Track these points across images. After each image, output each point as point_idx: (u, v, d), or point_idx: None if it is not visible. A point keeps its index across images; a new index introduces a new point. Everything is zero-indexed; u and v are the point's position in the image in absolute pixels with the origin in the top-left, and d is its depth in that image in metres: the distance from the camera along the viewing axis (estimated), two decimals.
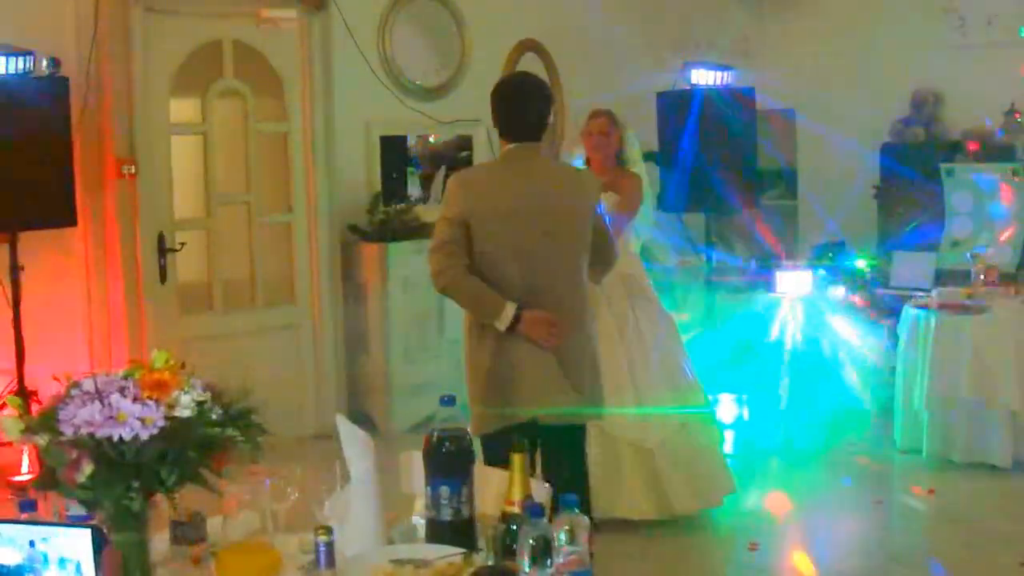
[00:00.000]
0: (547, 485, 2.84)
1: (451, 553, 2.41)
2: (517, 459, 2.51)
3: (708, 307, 7.08)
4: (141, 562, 2.21)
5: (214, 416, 2.13)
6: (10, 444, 2.20)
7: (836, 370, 6.61)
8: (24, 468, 5.44)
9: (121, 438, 2.02)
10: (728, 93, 7.26)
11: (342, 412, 2.82)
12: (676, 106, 7.22)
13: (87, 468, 2.04)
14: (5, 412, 2.21)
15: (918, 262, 6.67)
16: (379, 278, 6.90)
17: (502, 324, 3.73)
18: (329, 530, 2.26)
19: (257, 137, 6.75)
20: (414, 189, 7.56)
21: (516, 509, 2.44)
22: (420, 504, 2.68)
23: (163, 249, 6.29)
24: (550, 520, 2.31)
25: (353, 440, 2.62)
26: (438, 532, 2.52)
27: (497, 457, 3.28)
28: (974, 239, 6.66)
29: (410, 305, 6.87)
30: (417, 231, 6.83)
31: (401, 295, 6.86)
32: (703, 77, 7.29)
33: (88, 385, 2.08)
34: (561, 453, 3.83)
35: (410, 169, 7.60)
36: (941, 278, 6.48)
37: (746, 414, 6.80)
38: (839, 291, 6.78)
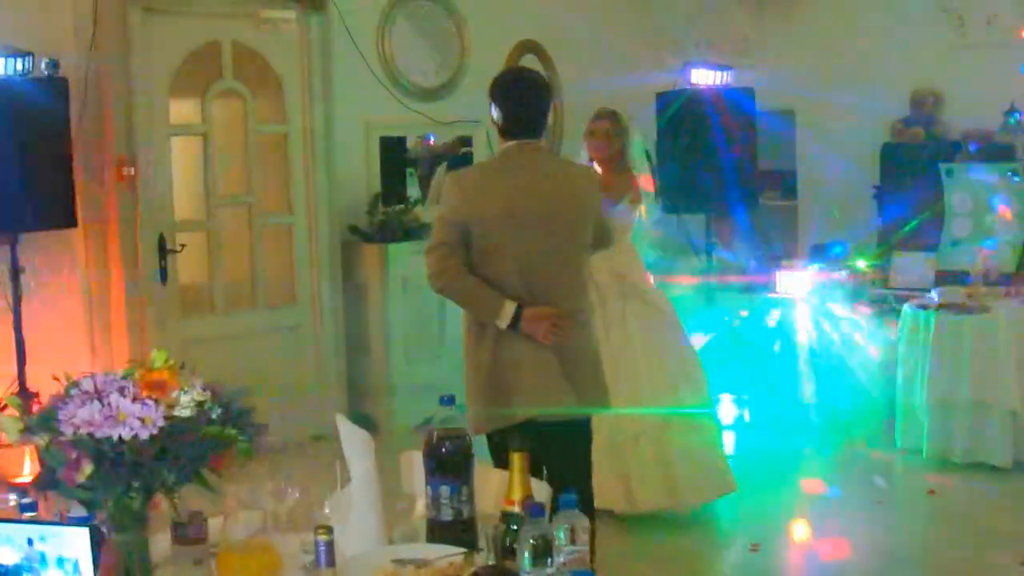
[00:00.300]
0: (547, 484, 2.84)
1: (452, 553, 2.41)
2: (517, 459, 2.51)
3: (708, 307, 7.08)
4: (142, 562, 2.21)
5: (214, 416, 2.13)
6: (10, 445, 2.20)
7: (836, 370, 6.61)
8: (25, 469, 5.44)
9: (121, 438, 2.02)
10: (728, 93, 7.26)
11: (342, 412, 2.81)
12: (676, 106, 7.22)
13: (87, 468, 2.04)
14: (5, 413, 2.21)
15: (918, 262, 6.67)
16: (379, 279, 6.90)
17: (502, 322, 3.70)
18: (329, 529, 2.26)
19: (257, 138, 6.75)
20: (413, 190, 7.56)
21: (516, 509, 2.44)
22: (420, 504, 2.68)
23: (163, 250, 6.29)
24: (550, 519, 2.31)
25: (353, 440, 2.62)
26: (438, 532, 2.52)
27: (497, 457, 3.27)
28: (974, 239, 6.65)
29: (410, 305, 6.88)
30: (417, 232, 6.84)
31: (401, 295, 6.86)
32: (703, 77, 7.28)
33: (87, 385, 2.08)
34: (565, 452, 3.81)
35: (410, 170, 7.60)
36: (941, 278, 6.47)
37: (747, 415, 6.81)
38: (839, 291, 6.77)
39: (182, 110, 6.60)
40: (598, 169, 5.27)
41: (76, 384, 2.10)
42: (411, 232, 6.88)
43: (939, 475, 5.93)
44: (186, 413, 2.10)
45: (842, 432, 6.51)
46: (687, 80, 7.34)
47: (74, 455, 2.04)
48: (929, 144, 7.56)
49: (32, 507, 2.26)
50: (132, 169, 6.11)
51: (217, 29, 6.53)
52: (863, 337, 6.52)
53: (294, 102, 6.86)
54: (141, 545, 2.19)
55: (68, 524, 2.22)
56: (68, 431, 2.03)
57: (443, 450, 2.52)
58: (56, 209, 5.57)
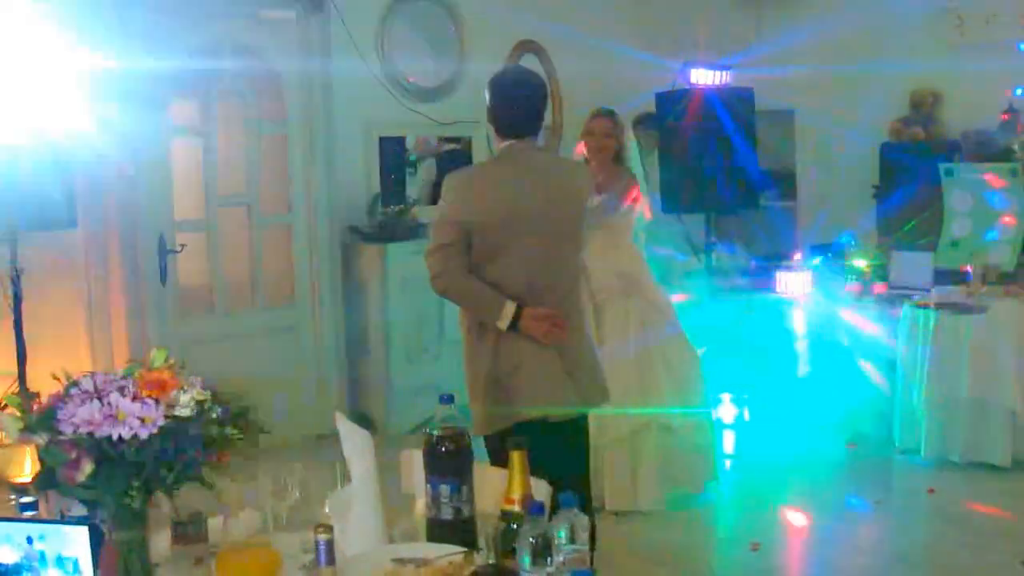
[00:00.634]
0: (547, 483, 2.84)
1: (452, 552, 2.41)
2: (517, 457, 2.51)
3: (708, 307, 7.08)
4: (141, 562, 2.21)
5: (214, 415, 2.13)
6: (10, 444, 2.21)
7: (835, 370, 6.61)
8: (25, 468, 5.44)
9: (120, 437, 2.02)
10: (727, 93, 7.26)
11: (342, 412, 2.82)
12: (675, 106, 7.22)
13: (87, 467, 2.04)
14: (5, 412, 2.21)
15: (917, 261, 6.67)
16: (379, 279, 6.90)
17: (503, 323, 3.71)
18: (329, 528, 2.26)
19: (257, 138, 6.75)
20: (413, 190, 7.57)
21: (516, 508, 2.44)
22: (420, 504, 2.68)
23: (163, 250, 6.29)
24: (550, 518, 2.31)
25: (353, 439, 2.62)
26: (438, 531, 2.52)
27: (499, 458, 3.27)
28: (973, 238, 6.65)
29: (410, 305, 6.88)
30: (416, 232, 6.84)
31: (401, 295, 6.86)
32: (702, 77, 7.28)
33: (87, 384, 2.08)
34: (565, 451, 3.81)
35: (409, 170, 7.60)
36: (940, 277, 6.48)
37: (746, 414, 6.81)
38: (838, 291, 6.77)
39: (182, 110, 6.60)
40: (595, 169, 5.27)
41: (76, 383, 2.10)
42: (411, 232, 6.89)
43: (938, 474, 5.94)
44: (186, 412, 2.10)
45: (841, 431, 6.51)
46: (687, 80, 7.34)
47: (74, 454, 2.04)
48: (928, 143, 7.56)
49: (32, 506, 2.26)
50: (132, 169, 6.11)
51: (217, 29, 6.53)
52: (862, 336, 6.52)
53: (294, 102, 6.86)
54: (141, 544, 2.19)
55: (66, 522, 2.23)
56: (68, 430, 2.03)
57: (443, 449, 2.52)
58: (56, 208, 5.57)
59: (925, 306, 6.15)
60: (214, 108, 6.60)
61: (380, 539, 2.56)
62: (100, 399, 2.04)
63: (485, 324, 3.79)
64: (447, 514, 2.51)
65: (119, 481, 2.07)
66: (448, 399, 2.60)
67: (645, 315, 5.37)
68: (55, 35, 5.35)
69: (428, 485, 2.54)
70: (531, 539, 2.19)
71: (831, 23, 8.23)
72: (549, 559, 2.19)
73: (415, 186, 7.43)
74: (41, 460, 2.12)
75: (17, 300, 5.64)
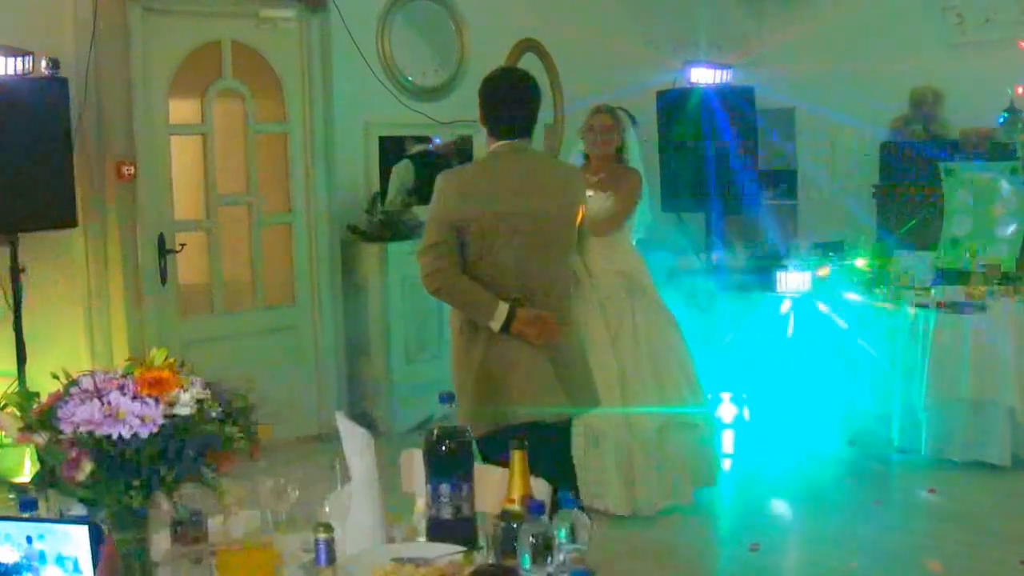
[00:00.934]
0: (547, 483, 2.84)
1: (452, 551, 2.41)
2: (518, 456, 2.51)
3: (708, 306, 7.08)
4: (142, 561, 2.20)
5: (214, 414, 2.12)
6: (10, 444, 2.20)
7: (836, 369, 6.60)
8: (25, 468, 5.44)
9: (120, 436, 2.02)
10: (728, 92, 7.27)
11: (342, 411, 2.81)
12: (676, 105, 7.23)
13: (87, 466, 2.04)
14: (5, 412, 2.21)
15: (917, 260, 6.67)
16: (379, 278, 6.90)
17: (496, 324, 3.71)
18: (329, 527, 2.26)
19: (256, 137, 6.75)
20: (391, 191, 7.52)
21: (517, 507, 2.44)
22: (421, 503, 2.68)
23: (163, 250, 6.29)
24: (550, 518, 2.31)
25: (353, 438, 2.62)
26: (439, 530, 2.52)
27: (489, 459, 3.26)
28: (973, 238, 6.65)
29: (410, 305, 6.87)
30: (416, 231, 6.84)
31: (401, 295, 6.86)
32: (703, 76, 7.29)
33: (87, 383, 2.08)
34: (549, 451, 3.81)
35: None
36: (940, 277, 6.48)
37: (747, 413, 6.80)
38: (838, 290, 6.77)
39: (182, 109, 6.60)
40: (596, 167, 5.25)
41: (75, 382, 2.10)
42: (411, 231, 6.88)
43: (938, 473, 5.93)
44: (186, 411, 2.09)
45: (841, 431, 6.50)
46: (687, 79, 7.34)
47: (74, 453, 2.04)
48: (928, 142, 7.56)
49: (32, 505, 2.26)
50: (132, 168, 6.11)
51: (217, 28, 6.53)
52: (862, 336, 6.52)
53: (294, 101, 6.86)
54: (141, 544, 2.19)
55: (66, 521, 2.22)
56: (68, 429, 2.03)
57: (443, 448, 2.52)
58: (56, 209, 5.57)
59: (925, 305, 6.15)
60: (214, 107, 6.60)
61: (380, 538, 2.56)
62: (100, 398, 2.04)
63: (477, 324, 3.78)
64: (447, 513, 2.51)
65: (119, 480, 2.07)
66: (448, 398, 2.60)
67: (649, 314, 5.36)
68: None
69: (428, 484, 2.54)
70: (531, 538, 2.19)
71: (832, 22, 8.24)
72: (549, 558, 2.19)
73: (393, 188, 7.39)
74: (41, 459, 2.12)
75: (17, 299, 5.64)
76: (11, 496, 2.34)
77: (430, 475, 2.54)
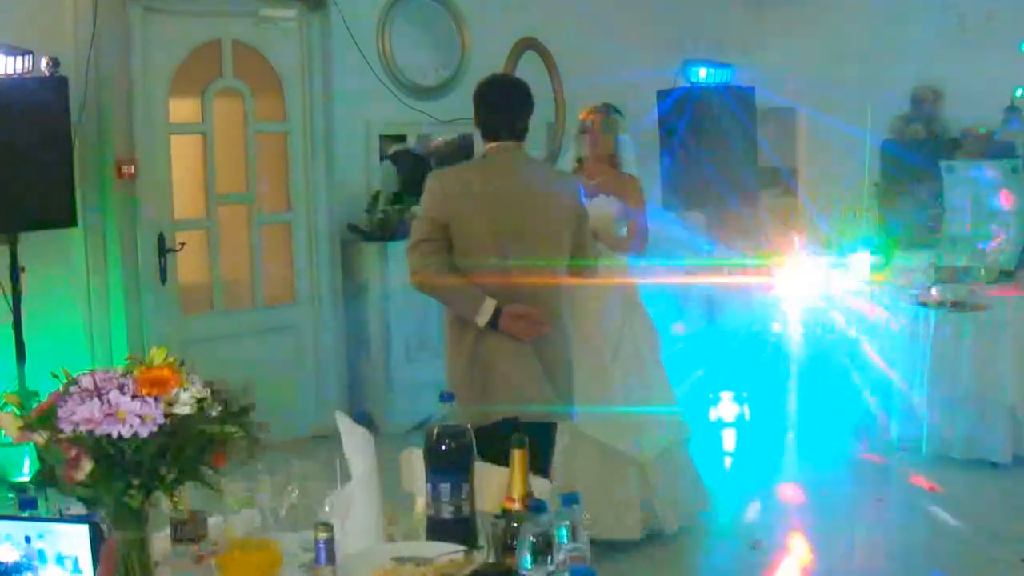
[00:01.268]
0: (548, 482, 2.84)
1: (452, 550, 2.40)
2: (518, 455, 2.50)
3: (708, 306, 7.08)
4: (142, 560, 2.20)
5: (214, 413, 2.12)
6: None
7: (836, 367, 6.60)
8: (25, 467, 5.45)
9: (120, 435, 2.02)
10: (728, 91, 7.27)
11: (342, 411, 2.82)
12: (676, 104, 7.23)
13: (86, 466, 2.03)
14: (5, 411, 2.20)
15: (918, 259, 6.66)
16: (379, 277, 6.90)
17: (482, 319, 3.77)
18: (329, 527, 2.25)
19: (257, 137, 6.75)
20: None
21: (517, 506, 2.44)
22: (421, 502, 2.68)
23: (163, 249, 6.29)
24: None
25: (353, 438, 2.62)
26: (439, 529, 2.52)
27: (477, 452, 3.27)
28: (974, 236, 6.64)
29: (410, 304, 6.86)
30: None
31: (401, 294, 6.84)
32: (703, 75, 7.28)
33: (87, 382, 2.07)
34: (536, 451, 3.80)
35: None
36: (941, 275, 6.47)
37: (747, 412, 6.81)
38: (839, 288, 6.77)
39: (182, 109, 6.59)
40: (593, 169, 5.07)
41: (75, 381, 2.09)
42: (411, 231, 6.87)
43: (938, 472, 5.93)
44: (186, 411, 2.09)
45: (841, 429, 6.50)
46: (688, 78, 7.34)
47: (73, 453, 2.04)
48: (929, 141, 7.56)
49: (32, 504, 2.26)
50: (132, 168, 6.11)
51: (217, 28, 6.53)
52: (863, 334, 6.52)
53: (294, 101, 6.85)
54: (141, 543, 2.19)
55: (65, 520, 2.22)
56: (67, 429, 2.02)
57: (443, 447, 2.52)
58: (56, 208, 5.56)
59: (926, 303, 6.15)
60: (214, 107, 6.59)
61: (380, 537, 2.56)
62: (100, 397, 2.03)
63: (466, 320, 3.83)
64: (447, 512, 2.51)
65: (119, 480, 2.06)
66: (448, 397, 2.60)
67: (643, 327, 5.14)
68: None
69: (428, 483, 2.54)
70: (531, 538, 2.19)
71: (832, 21, 8.24)
72: (550, 558, 2.18)
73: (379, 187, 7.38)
74: (40, 458, 2.11)
75: (17, 299, 5.64)
76: (10, 495, 2.34)
77: (430, 474, 2.54)
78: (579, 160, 5.16)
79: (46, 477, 2.11)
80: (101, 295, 6.13)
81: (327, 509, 2.53)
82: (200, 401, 2.12)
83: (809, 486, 5.89)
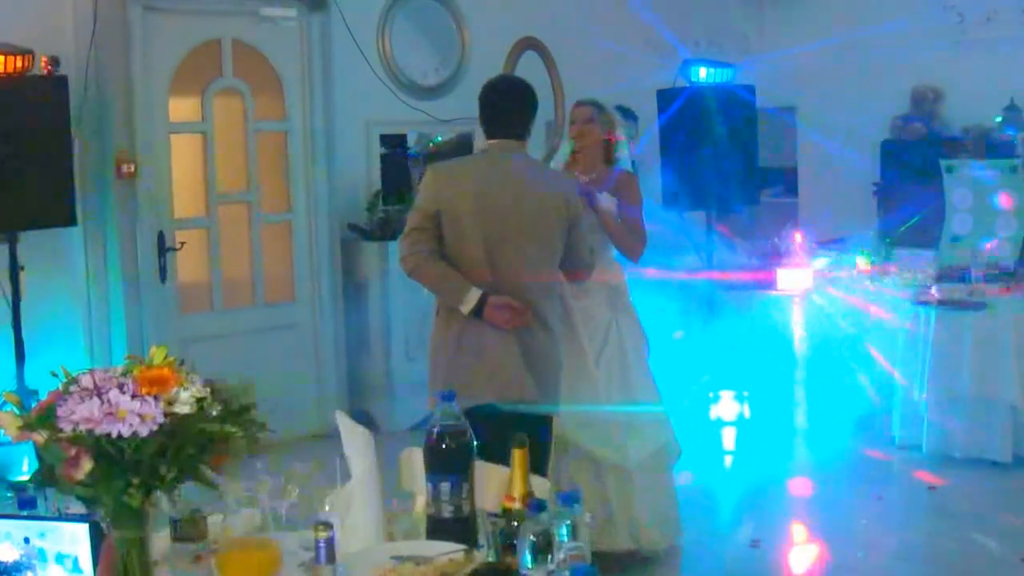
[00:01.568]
0: (548, 481, 2.84)
1: (452, 549, 2.40)
2: (518, 455, 2.50)
3: (709, 305, 7.08)
4: (141, 559, 2.20)
5: (214, 412, 2.12)
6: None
7: (837, 366, 6.60)
8: (24, 466, 5.44)
9: (120, 435, 2.01)
10: (728, 91, 7.26)
11: (342, 410, 2.82)
12: (676, 104, 7.22)
13: (86, 465, 2.03)
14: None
15: (918, 258, 6.66)
16: (379, 276, 6.90)
17: (466, 307, 3.87)
18: (329, 526, 2.25)
19: (257, 136, 6.75)
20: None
21: (517, 505, 2.44)
22: (421, 501, 2.67)
23: (163, 248, 6.28)
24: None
25: (353, 437, 2.62)
26: (439, 528, 2.52)
27: None
28: (974, 235, 6.64)
29: (410, 303, 6.86)
30: None
31: (401, 293, 6.85)
32: (703, 74, 7.28)
33: (86, 381, 2.07)
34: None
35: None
36: (941, 274, 6.47)
37: (746, 411, 6.80)
38: (839, 288, 6.77)
39: (182, 108, 6.59)
40: (584, 165, 4.91)
41: (75, 381, 2.09)
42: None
43: (939, 470, 5.93)
44: (186, 410, 2.09)
45: (842, 428, 6.51)
46: (688, 78, 7.34)
47: (73, 452, 2.03)
48: (929, 140, 7.56)
49: (31, 504, 2.25)
50: (131, 167, 6.11)
51: (217, 27, 6.53)
52: (863, 333, 6.52)
53: (294, 100, 6.85)
54: (141, 542, 2.19)
55: (66, 519, 2.22)
56: (67, 428, 2.02)
57: (443, 447, 2.52)
58: (55, 207, 5.56)
59: (926, 303, 6.14)
60: (214, 106, 6.59)
61: (380, 537, 2.55)
62: (100, 396, 2.03)
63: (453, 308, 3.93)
64: (447, 512, 2.51)
65: (118, 479, 2.06)
66: (448, 397, 2.60)
67: (631, 330, 4.90)
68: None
69: (428, 483, 2.54)
70: (532, 537, 2.18)
71: (832, 20, 8.24)
72: (550, 557, 2.18)
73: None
74: (40, 458, 2.11)
75: (16, 298, 5.64)
76: (9, 495, 2.34)
77: (430, 473, 2.53)
78: (573, 152, 5.01)
79: (45, 476, 2.11)
80: (101, 294, 6.13)
81: (327, 508, 2.53)
82: (200, 400, 2.11)
83: (809, 485, 5.90)
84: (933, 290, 6.24)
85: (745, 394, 6.80)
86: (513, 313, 3.87)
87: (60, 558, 2.11)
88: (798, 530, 5.40)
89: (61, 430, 2.03)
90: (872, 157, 7.86)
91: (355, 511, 2.53)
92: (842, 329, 6.62)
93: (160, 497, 2.17)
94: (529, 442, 3.78)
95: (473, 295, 3.86)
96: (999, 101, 7.20)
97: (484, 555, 2.34)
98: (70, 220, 5.66)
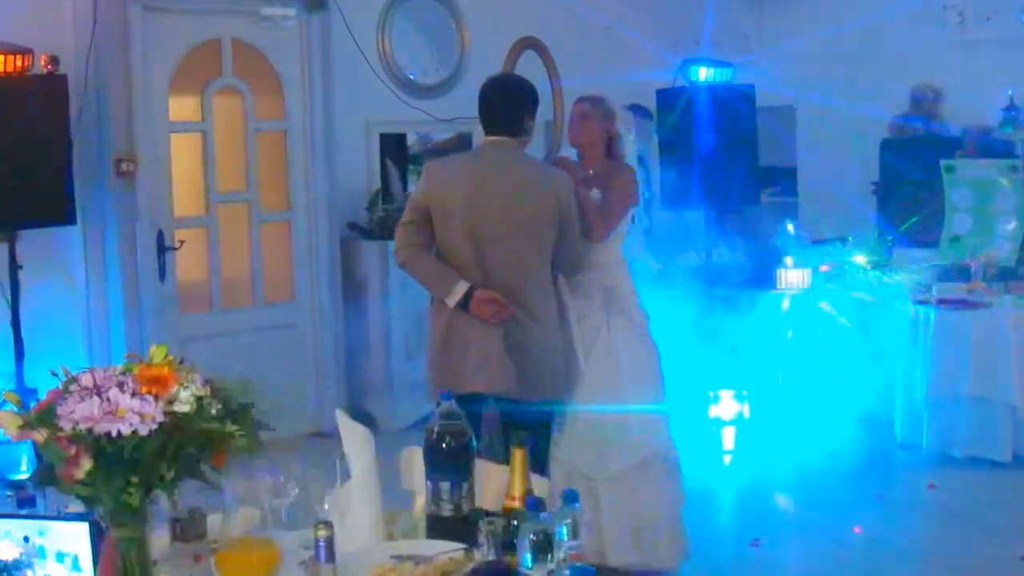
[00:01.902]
0: (549, 481, 2.84)
1: (451, 549, 2.40)
2: (518, 454, 2.50)
3: (708, 304, 7.07)
4: (141, 559, 2.19)
5: (213, 411, 2.12)
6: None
7: (836, 366, 6.60)
8: (24, 465, 5.44)
9: (120, 433, 2.01)
10: (728, 90, 7.27)
11: (342, 409, 2.82)
12: (676, 103, 7.22)
13: (85, 464, 2.03)
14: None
15: (918, 258, 6.66)
16: (379, 276, 6.89)
17: (452, 300, 3.97)
18: (329, 526, 2.25)
19: (256, 135, 6.75)
20: (414, 187, 7.55)
21: (517, 504, 2.44)
22: (421, 500, 2.67)
23: (162, 247, 6.28)
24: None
25: (353, 436, 2.62)
26: (438, 528, 2.51)
27: None
28: (974, 235, 6.64)
29: (410, 303, 6.85)
30: None
31: (401, 293, 6.85)
32: (703, 74, 7.28)
33: (86, 380, 2.07)
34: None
35: (410, 167, 7.58)
36: (941, 274, 6.47)
37: (746, 410, 6.80)
38: (839, 288, 6.77)
39: (181, 107, 6.59)
40: (585, 161, 4.81)
41: (75, 379, 2.09)
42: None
43: (939, 470, 5.93)
44: (185, 409, 2.09)
45: (842, 427, 6.50)
46: (688, 78, 7.34)
47: (73, 451, 2.03)
48: (929, 140, 7.55)
49: (31, 503, 2.25)
50: (131, 166, 6.10)
51: (217, 26, 6.52)
52: (863, 333, 6.52)
53: (294, 99, 6.85)
54: (141, 541, 2.18)
55: (65, 517, 2.22)
56: (67, 427, 2.02)
57: (443, 446, 2.52)
58: (55, 206, 5.57)
59: (926, 302, 6.15)
60: (213, 105, 6.59)
61: (380, 536, 2.55)
62: (99, 395, 2.03)
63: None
64: (447, 511, 2.51)
65: (118, 478, 2.06)
66: (448, 396, 2.60)
67: (625, 331, 4.62)
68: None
69: (428, 482, 2.54)
70: (532, 536, 2.18)
71: (832, 21, 8.23)
72: (550, 556, 2.18)
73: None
74: (39, 456, 2.11)
75: (15, 296, 5.64)
76: (9, 493, 2.33)
77: (430, 473, 2.54)
78: (579, 153, 4.93)
79: (45, 475, 2.11)
80: (100, 293, 6.13)
81: (327, 507, 2.53)
82: (200, 399, 2.11)
83: (809, 484, 5.89)
84: (933, 291, 6.25)
85: (744, 393, 6.80)
86: (499, 307, 3.95)
87: (60, 556, 2.10)
88: (798, 530, 5.39)
89: (61, 429, 2.03)
90: (872, 156, 7.85)
91: (355, 510, 2.53)
92: (842, 329, 6.62)
93: (160, 496, 2.17)
94: (524, 438, 3.83)
95: (459, 288, 3.95)
96: (999, 101, 7.19)
97: (484, 554, 2.34)
98: (69, 219, 5.66)
